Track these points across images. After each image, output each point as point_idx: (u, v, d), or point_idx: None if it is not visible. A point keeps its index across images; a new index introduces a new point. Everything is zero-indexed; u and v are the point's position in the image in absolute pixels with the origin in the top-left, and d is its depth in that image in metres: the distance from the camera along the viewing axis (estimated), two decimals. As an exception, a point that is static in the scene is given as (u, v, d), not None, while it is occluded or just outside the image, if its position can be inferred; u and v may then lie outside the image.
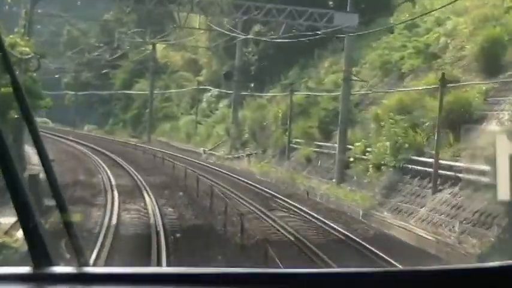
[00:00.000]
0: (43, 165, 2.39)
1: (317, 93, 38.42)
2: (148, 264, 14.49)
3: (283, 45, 52.41)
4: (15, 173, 2.19)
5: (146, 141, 62.18)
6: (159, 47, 66.75)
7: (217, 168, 38.84)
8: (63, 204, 2.40)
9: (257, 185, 31.66)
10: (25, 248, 2.37)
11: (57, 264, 2.14)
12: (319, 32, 32.22)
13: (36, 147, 2.35)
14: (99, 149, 47.59)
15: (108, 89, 78.53)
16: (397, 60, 35.04)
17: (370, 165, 29.05)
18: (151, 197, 25.00)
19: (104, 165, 36.97)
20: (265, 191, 29.77)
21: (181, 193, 27.39)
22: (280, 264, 14.01)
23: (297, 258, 16.98)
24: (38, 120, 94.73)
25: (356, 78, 32.56)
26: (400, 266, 12.16)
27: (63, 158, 39.40)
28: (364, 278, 2.01)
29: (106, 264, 14.30)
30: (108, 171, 33.47)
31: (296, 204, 25.84)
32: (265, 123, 43.19)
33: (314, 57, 47.08)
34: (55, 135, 57.52)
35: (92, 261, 13.65)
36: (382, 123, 29.26)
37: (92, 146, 49.74)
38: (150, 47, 66.27)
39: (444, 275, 1.97)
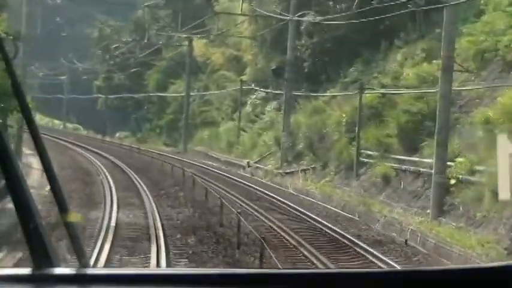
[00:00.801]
0: (43, 165, 2.32)
1: (398, 91, 29.48)
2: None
3: (343, 38, 44.35)
4: (15, 173, 2.17)
5: (181, 151, 53.88)
6: (197, 43, 58.46)
7: (266, 192, 29.99)
8: (63, 204, 2.34)
9: (321, 220, 22.83)
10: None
11: (58, 265, 2.11)
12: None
13: (36, 148, 2.29)
14: (120, 164, 39.33)
15: (141, 91, 70.68)
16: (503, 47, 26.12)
17: (485, 192, 20.15)
18: (164, 254, 16.09)
19: (112, 191, 27.74)
20: (334, 231, 20.87)
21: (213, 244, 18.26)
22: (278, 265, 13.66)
23: None
24: (70, 126, 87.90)
25: (461, 67, 23.57)
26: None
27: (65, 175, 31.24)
28: (363, 278, 1.98)
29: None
30: (114, 204, 24.08)
31: (393, 263, 16.86)
32: (324, 131, 34.41)
33: (381, 49, 38.40)
34: (71, 143, 49.59)
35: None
36: (496, 131, 20.42)
37: (113, 160, 41.47)
38: (187, 43, 58.00)
39: (444, 276, 1.94)
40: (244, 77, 53.93)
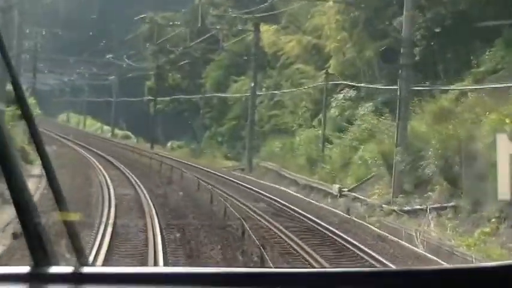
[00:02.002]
0: (43, 165, 2.33)
1: None
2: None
3: (470, 11, 32.21)
4: (15, 172, 2.17)
5: (246, 167, 41.62)
6: (266, 30, 46.13)
7: (374, 247, 17.50)
8: (63, 203, 2.38)
9: None
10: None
11: (57, 264, 2.13)
12: None
13: (36, 147, 2.31)
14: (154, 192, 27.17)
15: (198, 92, 58.94)
16: None
17: None
18: None
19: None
20: None
21: None
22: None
23: None
24: (119, 133, 76.64)
25: None
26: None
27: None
28: (361, 278, 2.00)
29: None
30: None
31: None
32: (470, 146, 21.56)
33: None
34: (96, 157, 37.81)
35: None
36: None
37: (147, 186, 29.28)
38: (252, 31, 45.79)
39: (443, 276, 1.95)
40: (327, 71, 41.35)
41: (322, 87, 41.18)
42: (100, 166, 33.74)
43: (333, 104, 39.94)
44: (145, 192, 24.90)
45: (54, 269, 2.10)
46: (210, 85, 54.48)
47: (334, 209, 26.14)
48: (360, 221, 23.32)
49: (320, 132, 37.32)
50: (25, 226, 2.17)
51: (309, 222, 22.24)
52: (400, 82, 25.47)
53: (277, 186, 33.29)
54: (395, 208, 23.72)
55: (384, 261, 16.97)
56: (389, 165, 25.95)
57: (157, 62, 67.45)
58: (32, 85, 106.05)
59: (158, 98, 65.24)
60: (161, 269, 5.94)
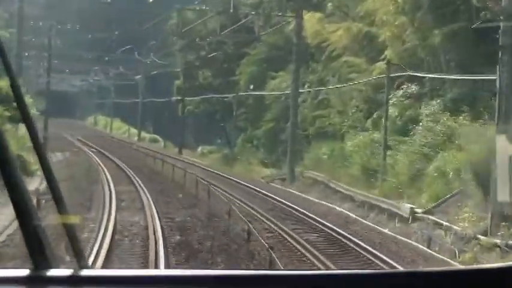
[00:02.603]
0: (42, 166, 2.31)
1: None
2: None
3: None
4: (15, 173, 2.17)
5: (288, 177, 35.46)
6: (309, 18, 39.98)
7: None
8: (62, 206, 2.36)
9: None
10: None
11: (57, 267, 2.12)
12: None
13: (35, 148, 2.28)
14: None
15: (232, 91, 52.99)
16: None
17: None
18: None
19: None
20: None
21: None
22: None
23: None
24: (147, 136, 70.97)
25: None
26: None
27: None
28: (364, 279, 2.00)
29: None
30: None
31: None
32: None
33: None
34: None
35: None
36: None
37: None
38: (293, 19, 39.68)
39: (444, 277, 1.95)
40: (382, 64, 35.09)
41: (376, 82, 34.95)
42: (110, 179, 27.86)
43: (392, 101, 33.65)
44: (157, 222, 18.38)
45: (53, 272, 2.08)
46: (245, 83, 48.36)
47: (407, 239, 19.89)
48: (449, 260, 17.11)
49: (376, 136, 31.04)
50: (24, 229, 2.15)
51: (379, 262, 16.10)
52: (501, 69, 19.03)
53: (328, 203, 27.07)
54: (498, 241, 17.37)
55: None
56: (482, 181, 19.61)
57: (186, 59, 61.79)
58: (57, 87, 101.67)
59: (187, 98, 59.62)
60: (161, 271, 5.29)
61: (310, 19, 40.15)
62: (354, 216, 24.25)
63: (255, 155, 44.64)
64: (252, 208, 23.45)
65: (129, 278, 2.09)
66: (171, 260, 14.87)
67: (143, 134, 69.89)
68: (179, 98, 62.13)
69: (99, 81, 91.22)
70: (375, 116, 34.51)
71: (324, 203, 27.32)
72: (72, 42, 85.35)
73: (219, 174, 34.33)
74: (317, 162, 34.00)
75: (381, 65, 35.02)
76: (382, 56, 35.02)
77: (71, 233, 2.34)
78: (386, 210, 24.05)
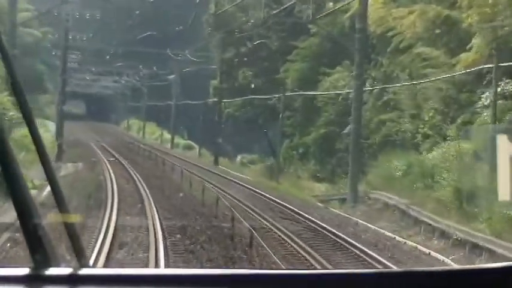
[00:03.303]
0: (43, 166, 2.30)
1: None
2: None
3: None
4: (16, 173, 2.17)
5: (349, 197, 28.26)
6: (372, 2, 32.77)
7: None
8: (63, 205, 2.36)
9: None
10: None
11: (58, 265, 2.11)
12: None
13: (36, 148, 2.28)
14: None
15: (276, 91, 46.11)
16: None
17: None
18: None
19: None
20: None
21: None
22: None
23: None
24: (181, 143, 64.19)
25: None
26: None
27: None
28: (362, 279, 1.99)
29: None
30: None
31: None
32: None
33: None
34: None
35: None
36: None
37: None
38: (355, 3, 32.59)
39: (444, 276, 1.94)
40: (466, 56, 27.82)
41: (460, 79, 27.78)
42: (115, 208, 20.86)
43: (479, 104, 26.43)
44: None
45: (54, 271, 2.08)
46: (293, 81, 41.21)
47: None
48: None
49: (468, 146, 23.73)
50: (25, 227, 2.15)
51: None
52: None
53: (409, 241, 19.84)
54: None
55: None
56: None
57: (224, 56, 55.07)
58: (92, 89, 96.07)
59: (225, 100, 52.80)
60: (161, 270, 5.30)
61: (374, 3, 32.97)
62: (452, 263, 17.05)
63: (305, 167, 37.63)
64: (309, 254, 16.35)
65: (130, 277, 2.05)
66: None
67: (177, 139, 63.20)
68: (216, 100, 55.43)
69: (132, 83, 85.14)
70: (459, 121, 27.30)
71: (404, 240, 20.13)
72: (103, 40, 79.70)
73: (262, 195, 27.26)
74: (387, 180, 26.75)
75: (467, 56, 27.79)
76: (469, 46, 27.79)
77: (71, 232, 2.31)
78: (501, 256, 16.79)
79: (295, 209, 23.39)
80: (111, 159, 37.72)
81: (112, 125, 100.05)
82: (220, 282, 1.99)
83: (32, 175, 17.51)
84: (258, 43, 52.90)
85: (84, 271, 2.09)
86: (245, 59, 54.23)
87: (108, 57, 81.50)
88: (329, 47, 39.12)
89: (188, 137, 62.67)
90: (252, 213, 22.23)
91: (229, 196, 25.04)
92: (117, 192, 23.32)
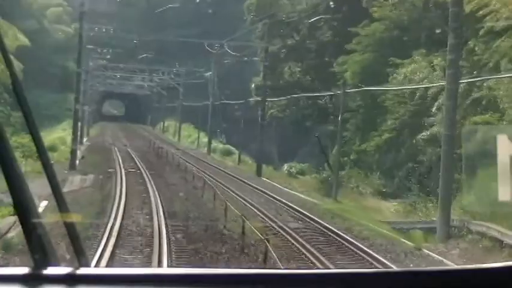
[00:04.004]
0: (43, 165, 2.31)
1: None
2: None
3: None
4: (16, 172, 2.16)
5: (432, 225, 20.97)
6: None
7: None
8: (63, 205, 2.35)
9: None
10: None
11: (58, 265, 2.11)
12: None
13: (36, 148, 2.29)
14: None
15: (327, 89, 39.39)
16: None
17: None
18: None
19: None
20: None
21: None
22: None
23: None
24: (218, 147, 57.41)
25: None
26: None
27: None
28: (362, 279, 1.99)
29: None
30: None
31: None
32: None
33: None
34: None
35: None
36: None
37: None
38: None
39: (444, 276, 1.94)
40: None
41: None
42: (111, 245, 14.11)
43: None
44: None
45: (54, 270, 2.07)
46: (353, 75, 33.91)
47: None
48: None
49: None
50: (25, 227, 2.15)
51: None
52: None
53: None
54: None
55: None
56: None
57: (268, 50, 48.27)
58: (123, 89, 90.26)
59: (269, 100, 45.97)
60: (162, 270, 5.40)
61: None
62: None
63: (367, 181, 30.47)
64: None
65: (130, 276, 2.04)
66: None
67: (214, 143, 56.45)
68: (258, 99, 48.72)
69: (168, 82, 78.90)
70: None
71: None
72: (135, 35, 73.81)
73: (314, 220, 20.24)
74: (491, 206, 19.42)
75: None
76: None
77: (71, 232, 2.31)
78: None
79: (379, 258, 16.27)
80: (132, 170, 31.06)
81: (148, 126, 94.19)
82: (221, 282, 1.96)
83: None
84: (307, 35, 46.05)
85: (83, 271, 2.08)
86: (292, 52, 47.35)
87: (140, 54, 75.95)
88: (396, 34, 31.87)
89: (227, 141, 55.89)
90: (315, 260, 15.26)
91: (278, 229, 18.11)
92: (117, 237, 15.99)
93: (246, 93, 50.79)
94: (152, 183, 26.52)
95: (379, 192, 29.62)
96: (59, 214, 2.30)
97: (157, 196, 22.89)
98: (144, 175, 28.96)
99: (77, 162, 35.58)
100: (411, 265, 15.98)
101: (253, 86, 50.63)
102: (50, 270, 2.05)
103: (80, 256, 2.27)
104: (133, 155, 39.99)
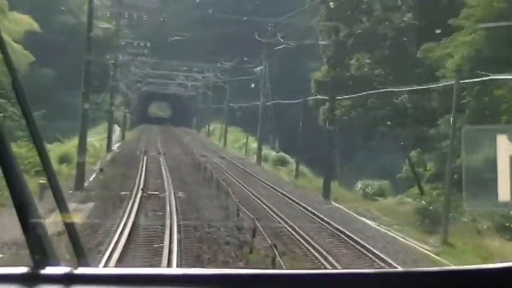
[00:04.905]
0: (43, 165, 2.30)
1: None
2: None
3: None
4: (16, 172, 2.17)
5: None
6: None
7: None
8: (64, 204, 2.35)
9: None
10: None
11: (58, 265, 2.10)
12: None
13: (36, 147, 2.27)
14: None
15: (406, 84, 31.06)
16: None
17: None
18: None
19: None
20: None
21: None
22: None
23: None
24: (270, 156, 48.82)
25: None
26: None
27: None
28: (362, 279, 1.99)
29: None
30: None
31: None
32: None
33: None
34: None
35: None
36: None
37: None
38: None
39: (444, 276, 1.94)
40: None
41: None
42: None
43: None
44: None
45: (53, 270, 2.06)
46: (460, 62, 24.60)
47: None
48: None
49: None
50: (25, 227, 2.14)
51: None
52: None
53: None
54: None
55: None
56: None
57: (331, 38, 39.89)
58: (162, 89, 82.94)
59: (334, 98, 37.49)
60: (162, 270, 2.72)
61: None
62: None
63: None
64: None
65: (130, 276, 2.02)
66: None
67: (265, 150, 47.89)
68: (320, 97, 40.38)
69: (213, 80, 71.02)
70: None
71: None
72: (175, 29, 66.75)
73: None
74: None
75: None
76: None
77: (71, 231, 2.30)
78: None
79: None
80: (154, 193, 22.61)
81: (192, 129, 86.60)
82: (225, 282, 1.96)
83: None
84: (381, 18, 37.24)
85: (83, 270, 2.07)
86: (361, 40, 38.52)
87: (184, 49, 68.51)
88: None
89: (280, 148, 47.10)
90: None
91: None
92: None
93: (304, 92, 42.11)
94: (176, 217, 18.01)
95: (502, 228, 20.74)
96: (59, 214, 2.25)
97: (179, 249, 14.33)
98: (168, 204, 20.37)
99: (92, 177, 27.59)
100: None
101: (313, 82, 41.93)
102: (50, 270, 2.05)
103: (80, 256, 2.23)
104: (164, 169, 31.70)
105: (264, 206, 22.16)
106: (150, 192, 22.23)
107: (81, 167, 24.81)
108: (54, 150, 32.05)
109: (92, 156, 39.03)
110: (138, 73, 71.83)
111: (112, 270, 2.26)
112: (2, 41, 2.29)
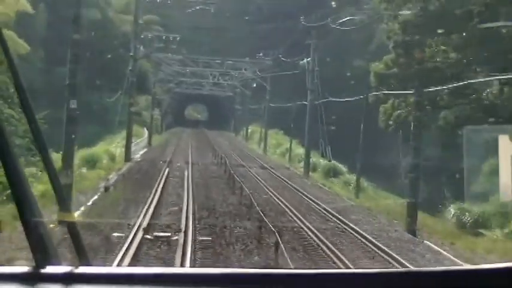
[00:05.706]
0: (45, 165, 2.30)
1: None
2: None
3: None
4: (17, 171, 2.16)
5: None
6: None
7: None
8: (65, 203, 2.37)
9: None
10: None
11: (59, 264, 2.09)
12: None
13: (38, 147, 2.27)
14: None
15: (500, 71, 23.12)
16: None
17: None
18: None
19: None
20: None
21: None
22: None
23: None
24: (320, 164, 41.43)
25: None
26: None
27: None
28: (363, 279, 1.97)
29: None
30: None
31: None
32: None
33: None
34: None
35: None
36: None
37: None
38: None
39: (444, 276, 1.92)
40: None
41: None
42: None
43: None
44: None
45: (55, 269, 2.06)
46: None
47: None
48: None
49: None
50: (27, 226, 2.14)
51: None
52: None
53: None
54: None
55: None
56: None
57: (395, 21, 32.36)
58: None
59: (398, 92, 29.98)
60: (164, 269, 2.68)
61: None
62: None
63: None
64: None
65: (131, 275, 2.02)
66: None
67: (314, 158, 40.34)
68: (380, 95, 32.78)
69: (251, 79, 64.09)
70: None
71: None
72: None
73: None
74: None
75: None
76: None
77: (73, 230, 2.30)
78: None
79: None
80: (162, 233, 15.26)
81: (230, 133, 79.85)
82: (229, 282, 1.94)
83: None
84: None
85: (85, 269, 2.07)
86: (437, 21, 30.78)
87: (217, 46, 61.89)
88: None
89: (333, 155, 39.43)
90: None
91: None
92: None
93: (360, 87, 34.49)
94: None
95: None
96: (61, 214, 2.25)
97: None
98: (180, 258, 13.06)
99: (92, 200, 20.58)
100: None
101: (372, 76, 34.32)
102: (51, 269, 2.04)
103: (81, 255, 2.23)
104: (186, 188, 24.37)
105: (330, 253, 14.74)
106: (157, 234, 14.87)
107: (61, 191, 17.59)
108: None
109: (104, 168, 32.12)
110: (168, 71, 65.18)
111: (114, 269, 2.32)
112: (4, 43, 2.26)
